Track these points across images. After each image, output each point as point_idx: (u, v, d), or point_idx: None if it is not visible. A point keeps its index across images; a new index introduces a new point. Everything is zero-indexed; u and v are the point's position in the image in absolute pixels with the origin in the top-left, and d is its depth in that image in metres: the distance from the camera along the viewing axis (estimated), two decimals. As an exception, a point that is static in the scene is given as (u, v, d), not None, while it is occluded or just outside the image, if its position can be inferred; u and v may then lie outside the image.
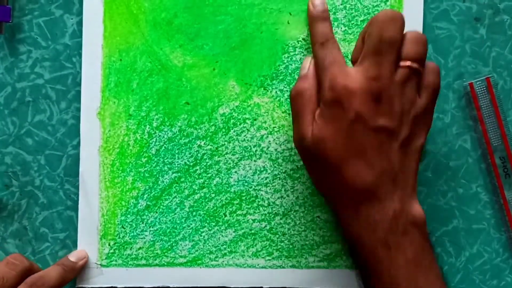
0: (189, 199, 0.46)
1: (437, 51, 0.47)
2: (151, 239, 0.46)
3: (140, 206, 0.46)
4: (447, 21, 0.47)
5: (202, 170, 0.46)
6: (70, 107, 0.46)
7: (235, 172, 0.46)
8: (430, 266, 0.40)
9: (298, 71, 0.46)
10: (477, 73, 0.47)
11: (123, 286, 0.46)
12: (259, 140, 0.46)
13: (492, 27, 0.47)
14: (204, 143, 0.46)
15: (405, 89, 0.39)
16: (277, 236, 0.46)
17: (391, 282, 0.39)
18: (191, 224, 0.46)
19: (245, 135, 0.46)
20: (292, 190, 0.46)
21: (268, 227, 0.46)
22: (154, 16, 0.46)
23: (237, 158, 0.46)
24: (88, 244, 0.46)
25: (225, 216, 0.46)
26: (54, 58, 0.46)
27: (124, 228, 0.46)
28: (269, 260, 0.46)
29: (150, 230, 0.46)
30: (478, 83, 0.46)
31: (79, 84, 0.46)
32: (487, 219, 0.47)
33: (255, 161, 0.46)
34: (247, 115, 0.46)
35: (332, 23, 0.46)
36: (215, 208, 0.46)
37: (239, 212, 0.46)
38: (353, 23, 0.46)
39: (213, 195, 0.46)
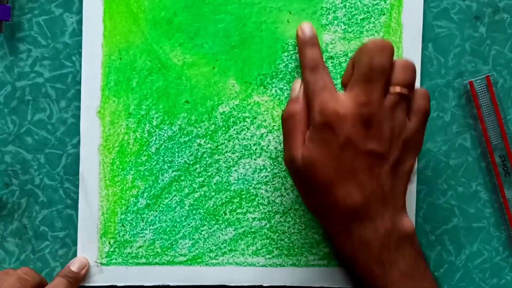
0: (189, 197, 0.46)
1: (437, 50, 0.47)
2: (151, 237, 0.46)
3: (140, 204, 0.46)
4: (447, 20, 0.47)
5: (202, 169, 0.46)
6: (70, 106, 0.46)
7: (235, 170, 0.46)
8: (424, 275, 0.41)
9: (298, 70, 0.46)
10: (477, 71, 0.47)
11: (123, 284, 0.46)
12: (259, 138, 0.46)
13: (492, 25, 0.47)
14: (204, 142, 0.46)
15: (394, 114, 0.40)
16: (277, 234, 0.46)
17: None
18: (191, 222, 0.46)
19: (245, 134, 0.46)
20: (292, 188, 0.46)
21: (268, 226, 0.46)
22: (154, 15, 0.46)
23: (237, 156, 0.46)
24: (88, 243, 0.46)
25: (225, 214, 0.46)
26: (54, 56, 0.46)
27: (124, 227, 0.46)
28: (269, 258, 0.46)
29: (150, 229, 0.46)
30: (478, 81, 0.47)
31: (79, 83, 0.46)
32: (487, 217, 0.47)
33: (255, 159, 0.46)
34: (247, 114, 0.46)
35: (332, 21, 0.46)
36: (215, 206, 0.46)
37: (239, 210, 0.46)
38: (352, 22, 0.46)
39: (213, 193, 0.46)
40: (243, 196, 0.46)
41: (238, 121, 0.46)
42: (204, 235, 0.46)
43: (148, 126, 0.46)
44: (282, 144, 0.46)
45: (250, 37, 0.46)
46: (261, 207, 0.46)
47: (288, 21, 0.46)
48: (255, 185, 0.46)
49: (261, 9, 0.46)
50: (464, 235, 0.47)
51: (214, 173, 0.46)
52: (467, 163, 0.47)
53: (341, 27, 0.46)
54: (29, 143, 0.46)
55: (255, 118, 0.46)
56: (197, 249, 0.46)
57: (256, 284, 0.46)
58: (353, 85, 0.40)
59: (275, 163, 0.46)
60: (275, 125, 0.46)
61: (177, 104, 0.46)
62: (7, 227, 0.46)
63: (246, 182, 0.46)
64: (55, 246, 0.46)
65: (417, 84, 0.46)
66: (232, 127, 0.46)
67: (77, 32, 0.46)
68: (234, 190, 0.46)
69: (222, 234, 0.46)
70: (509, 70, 0.47)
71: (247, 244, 0.46)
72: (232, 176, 0.46)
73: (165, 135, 0.46)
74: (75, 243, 0.46)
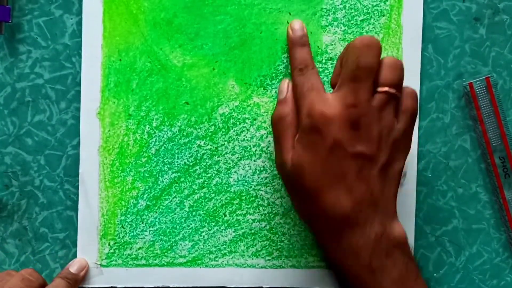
0: (189, 199, 0.46)
1: (436, 51, 0.47)
2: (151, 239, 0.46)
3: (140, 206, 0.46)
4: (446, 21, 0.47)
5: (202, 170, 0.46)
6: (70, 107, 0.46)
7: (235, 172, 0.46)
8: (416, 282, 0.40)
9: (297, 71, 0.46)
10: (476, 73, 0.47)
11: (123, 286, 0.46)
12: (258, 139, 0.46)
13: (491, 27, 0.47)
14: (204, 143, 0.46)
15: (382, 115, 0.39)
16: (277, 236, 0.46)
17: None
18: (191, 224, 0.46)
19: (244, 135, 0.46)
20: (291, 190, 0.46)
21: (268, 227, 0.46)
22: (153, 16, 0.46)
23: (236, 158, 0.46)
24: (88, 244, 0.46)
25: (225, 216, 0.46)
26: (54, 58, 0.46)
27: (124, 228, 0.46)
28: (269, 260, 0.46)
29: (150, 230, 0.46)
30: (477, 83, 0.47)
31: (79, 84, 0.46)
32: (487, 219, 0.47)
33: (254, 161, 0.46)
34: (246, 115, 0.46)
35: (332, 22, 0.46)
36: (215, 208, 0.46)
37: (239, 212, 0.46)
38: (352, 23, 0.46)
39: (213, 195, 0.46)
40: (243, 198, 0.46)
41: (238, 123, 0.46)
42: (204, 236, 0.46)
43: (148, 128, 0.46)
44: (282, 146, 0.46)
45: (250, 38, 0.46)
46: (261, 208, 0.46)
47: (288, 22, 0.46)
48: (255, 186, 0.46)
49: (261, 10, 0.46)
50: (464, 236, 0.47)
51: (214, 175, 0.46)
52: (467, 164, 0.47)
53: (341, 28, 0.46)
54: (29, 145, 0.46)
55: (255, 119, 0.46)
56: (197, 250, 0.46)
57: (256, 286, 0.46)
58: (341, 85, 0.39)
59: (275, 165, 0.46)
60: (275, 127, 0.46)
61: (177, 105, 0.46)
62: (7, 229, 0.46)
63: (246, 184, 0.46)
64: (55, 247, 0.46)
65: (417, 85, 0.46)
66: (232, 129, 0.46)
67: (77, 33, 0.46)
68: (234, 192, 0.46)
69: (222, 235, 0.46)
70: (509, 71, 0.47)
71: (247, 245, 0.46)
72: (232, 177, 0.46)
73: (165, 136, 0.46)
74: (75, 244, 0.46)
